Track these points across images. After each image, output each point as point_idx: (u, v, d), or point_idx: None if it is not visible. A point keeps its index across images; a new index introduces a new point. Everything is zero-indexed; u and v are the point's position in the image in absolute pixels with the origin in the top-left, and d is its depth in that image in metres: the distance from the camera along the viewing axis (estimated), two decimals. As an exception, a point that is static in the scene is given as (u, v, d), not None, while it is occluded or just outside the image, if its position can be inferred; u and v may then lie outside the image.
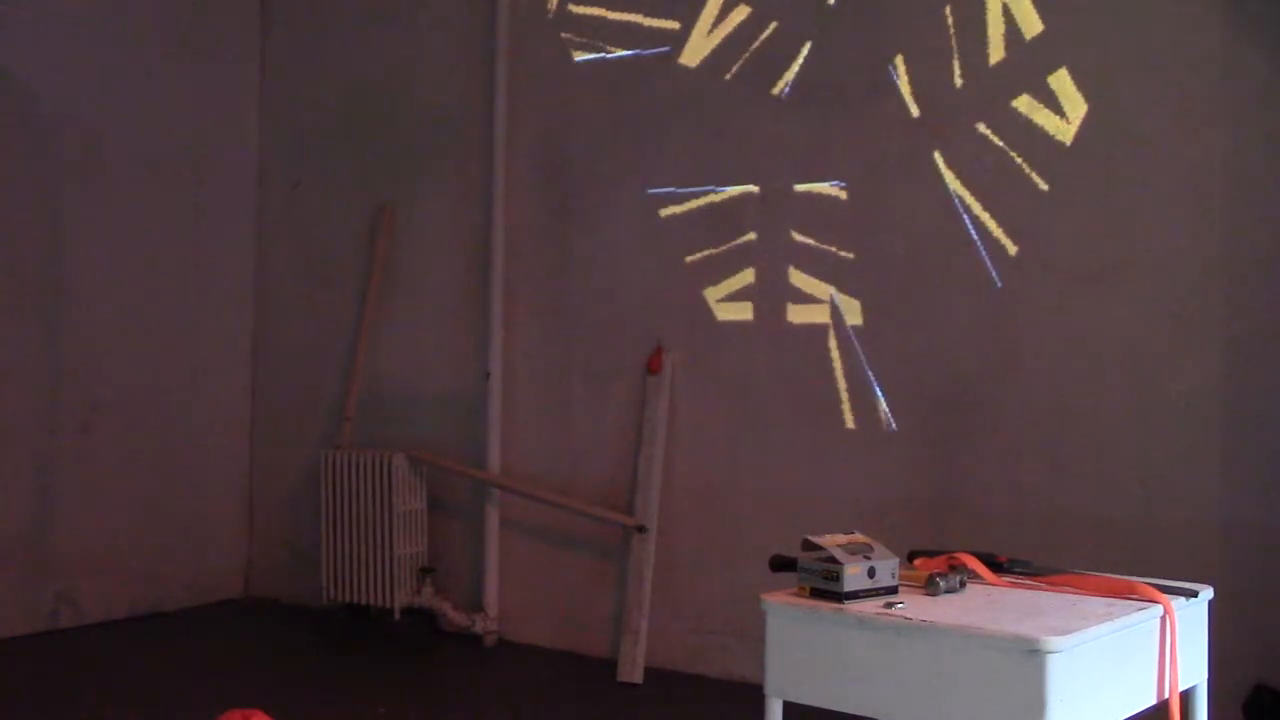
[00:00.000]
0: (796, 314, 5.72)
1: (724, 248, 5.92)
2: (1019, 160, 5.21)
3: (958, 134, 5.35)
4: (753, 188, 5.85)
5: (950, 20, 5.36)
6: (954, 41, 5.35)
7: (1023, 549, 3.34)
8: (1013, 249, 5.23)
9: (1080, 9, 5.11)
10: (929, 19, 5.40)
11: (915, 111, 5.45)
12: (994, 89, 5.27)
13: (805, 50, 5.71)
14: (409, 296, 6.94)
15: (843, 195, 5.63)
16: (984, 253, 5.28)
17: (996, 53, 5.27)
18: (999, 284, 5.25)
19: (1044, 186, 5.16)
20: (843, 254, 5.62)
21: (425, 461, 6.60)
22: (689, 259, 6.01)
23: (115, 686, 5.65)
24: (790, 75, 5.75)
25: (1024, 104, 5.20)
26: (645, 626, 5.87)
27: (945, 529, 5.14)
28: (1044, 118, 5.16)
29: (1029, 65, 5.20)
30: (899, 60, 5.48)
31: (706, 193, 5.98)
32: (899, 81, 5.47)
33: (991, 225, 5.27)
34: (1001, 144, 5.25)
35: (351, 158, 7.18)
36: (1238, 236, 4.81)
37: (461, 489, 6.68)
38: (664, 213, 6.08)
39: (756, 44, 5.84)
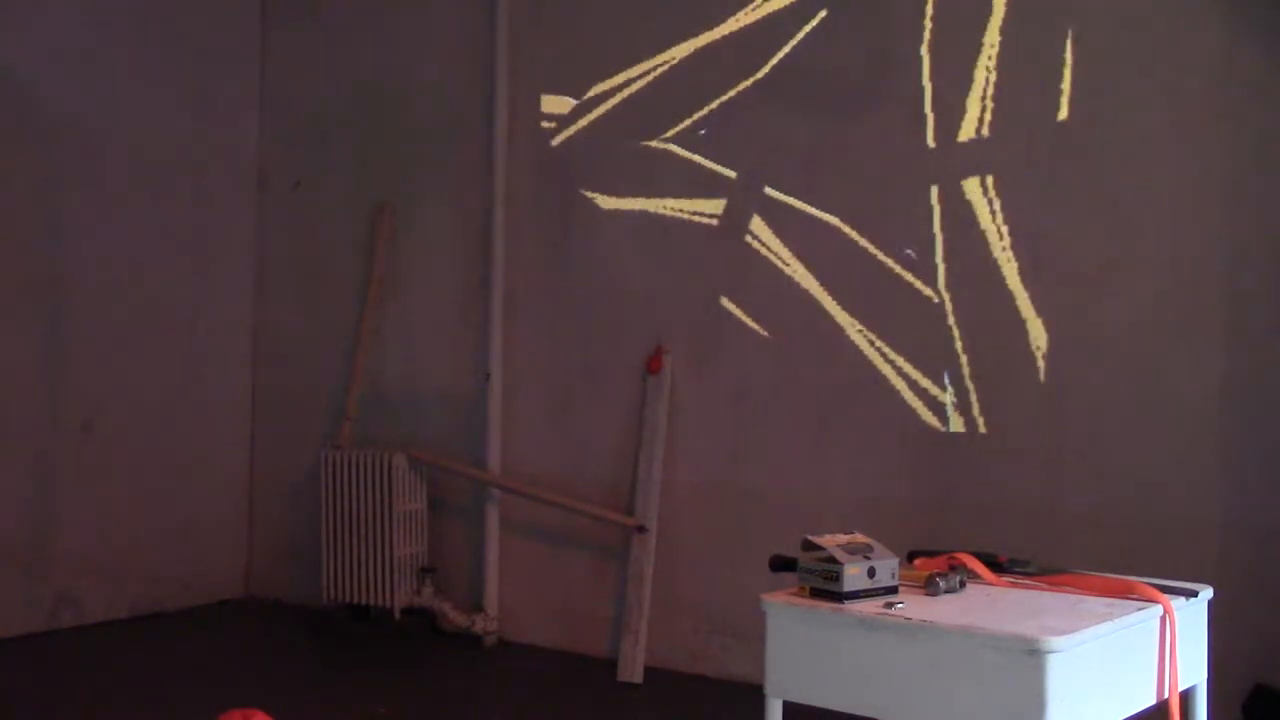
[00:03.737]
0: (796, 314, 5.72)
1: (724, 248, 5.92)
2: (1018, 160, 5.21)
3: (955, 137, 5.35)
4: (754, 190, 5.85)
5: (952, 16, 5.37)
6: (954, 38, 5.37)
7: (1023, 549, 3.34)
8: (1012, 248, 5.23)
9: (1080, 7, 5.11)
10: (936, 10, 5.42)
11: (916, 114, 5.45)
12: (991, 88, 5.27)
13: (814, 53, 5.71)
14: (409, 296, 6.94)
15: (845, 198, 5.63)
16: (982, 252, 5.29)
17: (992, 48, 5.27)
18: (997, 283, 5.26)
19: (1043, 186, 5.16)
20: (843, 255, 5.62)
21: (425, 461, 6.60)
22: (689, 260, 6.02)
23: (115, 686, 5.65)
24: (795, 77, 5.76)
25: (1022, 102, 5.20)
26: (645, 626, 5.87)
27: (945, 529, 5.14)
28: (1042, 117, 5.16)
29: (1028, 62, 5.20)
30: (904, 59, 5.48)
31: (707, 193, 5.98)
32: (904, 84, 5.48)
33: (990, 225, 5.27)
34: (1000, 144, 5.25)
35: (351, 158, 7.18)
36: (1237, 236, 4.81)
37: (461, 489, 6.68)
38: (664, 214, 6.09)
39: (761, 45, 5.84)
